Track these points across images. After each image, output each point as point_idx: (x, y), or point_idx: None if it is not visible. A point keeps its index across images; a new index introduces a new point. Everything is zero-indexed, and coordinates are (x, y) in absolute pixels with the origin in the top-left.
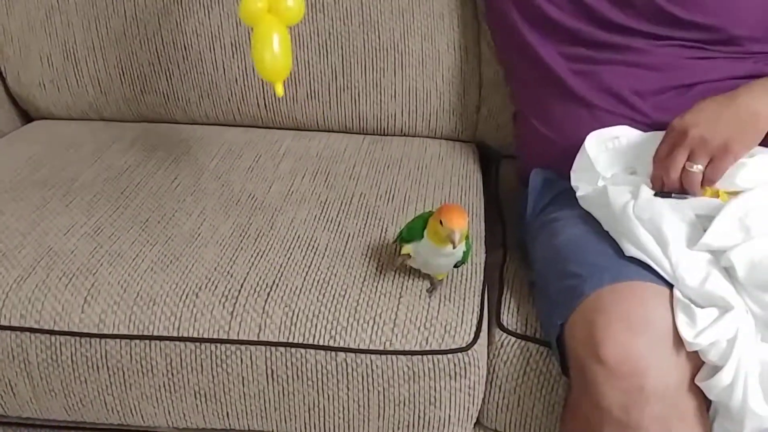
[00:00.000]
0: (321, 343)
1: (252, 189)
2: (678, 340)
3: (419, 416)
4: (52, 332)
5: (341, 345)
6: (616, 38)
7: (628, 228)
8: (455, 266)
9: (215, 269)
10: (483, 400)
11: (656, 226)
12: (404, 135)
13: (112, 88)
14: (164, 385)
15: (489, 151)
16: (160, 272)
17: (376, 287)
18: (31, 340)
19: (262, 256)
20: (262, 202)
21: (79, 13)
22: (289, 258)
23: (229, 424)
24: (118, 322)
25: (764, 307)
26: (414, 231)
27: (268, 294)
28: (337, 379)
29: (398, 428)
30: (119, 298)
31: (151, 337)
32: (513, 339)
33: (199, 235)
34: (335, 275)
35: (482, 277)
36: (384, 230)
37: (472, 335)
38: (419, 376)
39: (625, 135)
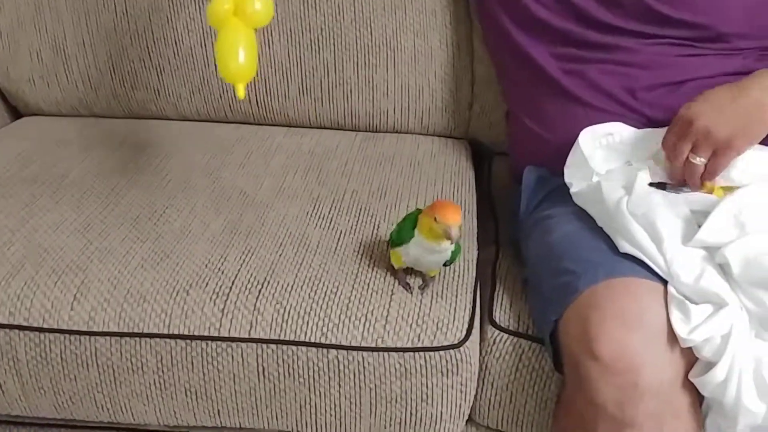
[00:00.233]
0: (312, 340)
1: (243, 185)
2: (672, 337)
3: (411, 413)
4: (41, 330)
5: (333, 342)
6: (605, 38)
7: (622, 224)
8: (444, 265)
9: (206, 266)
10: (475, 396)
11: (650, 222)
12: (396, 132)
13: (102, 83)
14: (154, 383)
15: (481, 148)
16: (150, 269)
17: (368, 284)
18: (20, 337)
19: (253, 253)
20: (253, 199)
21: (68, 9)
22: (280, 255)
23: (220, 422)
24: (107, 319)
25: (759, 303)
26: (403, 233)
27: (259, 291)
28: (329, 377)
29: (390, 425)
30: (109, 295)
31: (141, 335)
32: (505, 336)
33: (189, 231)
34: (327, 272)
35: (474, 274)
36: (376, 227)
37: (464, 332)
38: (411, 373)
39: (618, 132)
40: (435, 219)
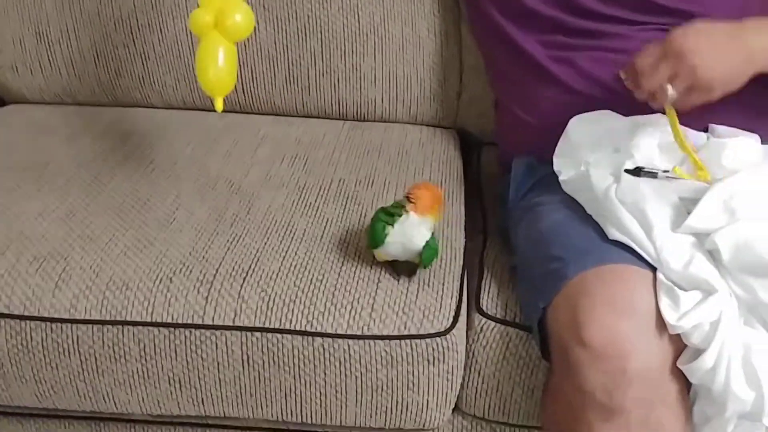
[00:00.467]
0: (298, 328)
1: (229, 174)
2: (661, 323)
3: (397, 401)
4: (22, 317)
5: (318, 330)
6: (593, 25)
7: (611, 211)
8: (424, 266)
9: (190, 254)
10: (462, 385)
11: (640, 210)
12: (384, 121)
13: (86, 71)
14: (137, 372)
15: (470, 137)
16: (133, 257)
17: (354, 272)
18: (1, 325)
19: (238, 241)
20: (239, 187)
21: None
22: (265, 243)
23: (205, 411)
24: (90, 307)
25: (748, 290)
26: (377, 236)
27: (244, 279)
28: (314, 365)
29: (376, 413)
30: (91, 282)
31: (123, 323)
32: (492, 324)
33: (174, 219)
34: (313, 260)
35: (462, 263)
36: (363, 216)
37: (451, 320)
38: (397, 361)
39: (607, 119)
40: (409, 198)
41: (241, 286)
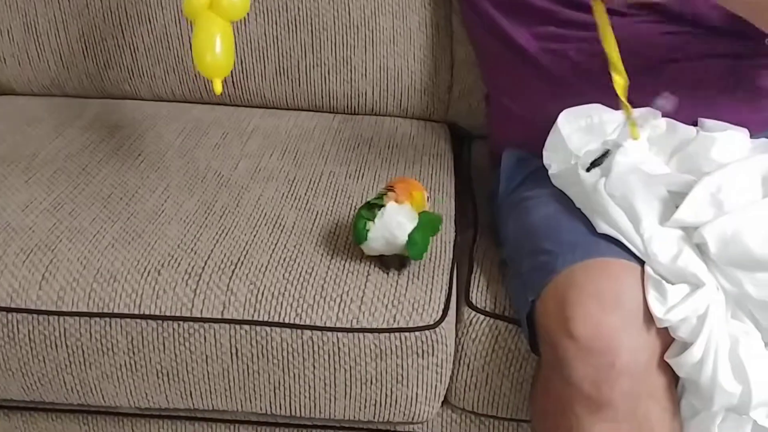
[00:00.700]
0: (287, 321)
1: (218, 166)
2: (649, 317)
3: (386, 395)
4: (8, 309)
5: (307, 323)
6: (583, 16)
7: (600, 205)
8: (413, 256)
9: (178, 246)
10: (451, 378)
11: (628, 203)
12: (375, 114)
13: (75, 62)
14: (125, 364)
15: (460, 131)
16: (121, 249)
17: (344, 265)
18: None
19: (227, 234)
20: (228, 180)
21: None
22: (255, 235)
23: (193, 404)
24: (77, 299)
25: (735, 283)
26: (359, 234)
27: (233, 271)
28: (303, 358)
29: (365, 407)
30: (78, 274)
31: (111, 315)
32: (482, 317)
33: (162, 212)
34: (302, 253)
35: (451, 256)
36: (353, 209)
37: (440, 313)
38: (386, 354)
39: (597, 113)
40: (392, 189)
41: (230, 279)
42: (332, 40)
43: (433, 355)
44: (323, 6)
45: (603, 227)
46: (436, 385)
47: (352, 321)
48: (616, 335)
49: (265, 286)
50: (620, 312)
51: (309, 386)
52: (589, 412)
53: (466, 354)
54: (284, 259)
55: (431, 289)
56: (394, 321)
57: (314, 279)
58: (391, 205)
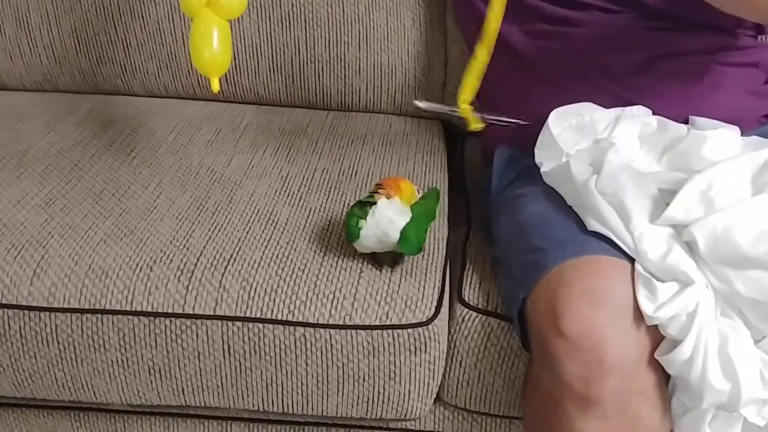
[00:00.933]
0: (279, 317)
1: (211, 163)
2: (638, 315)
3: (379, 391)
4: None
5: (300, 320)
6: (569, 13)
7: (591, 203)
8: (407, 253)
9: (171, 242)
10: (443, 375)
11: (619, 201)
12: (368, 111)
13: (67, 57)
14: (117, 361)
15: (454, 128)
16: (113, 245)
17: (337, 262)
18: None
19: (219, 230)
20: (221, 176)
21: None
22: (247, 232)
23: (185, 401)
24: (68, 295)
25: (725, 281)
26: (351, 232)
27: (225, 268)
28: (296, 354)
29: (357, 403)
30: (70, 270)
31: (103, 311)
32: (474, 314)
33: (155, 208)
34: (295, 249)
35: (444, 253)
36: (346, 205)
37: (433, 310)
38: (379, 351)
39: (588, 112)
40: (381, 188)
41: (222, 275)
42: (326, 36)
43: (425, 352)
44: (317, 2)
45: (593, 225)
46: (428, 382)
47: (344, 318)
48: (605, 333)
49: (257, 282)
50: (610, 309)
51: (301, 383)
52: (579, 409)
53: (458, 351)
54: (277, 256)
55: (424, 286)
56: (387, 318)
57: (307, 276)
58: (381, 202)
